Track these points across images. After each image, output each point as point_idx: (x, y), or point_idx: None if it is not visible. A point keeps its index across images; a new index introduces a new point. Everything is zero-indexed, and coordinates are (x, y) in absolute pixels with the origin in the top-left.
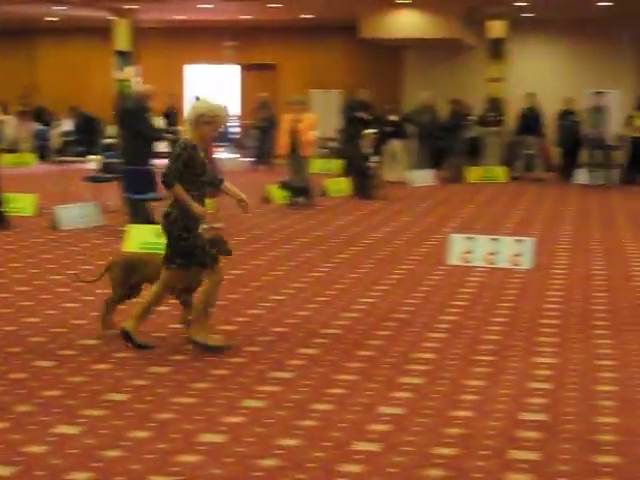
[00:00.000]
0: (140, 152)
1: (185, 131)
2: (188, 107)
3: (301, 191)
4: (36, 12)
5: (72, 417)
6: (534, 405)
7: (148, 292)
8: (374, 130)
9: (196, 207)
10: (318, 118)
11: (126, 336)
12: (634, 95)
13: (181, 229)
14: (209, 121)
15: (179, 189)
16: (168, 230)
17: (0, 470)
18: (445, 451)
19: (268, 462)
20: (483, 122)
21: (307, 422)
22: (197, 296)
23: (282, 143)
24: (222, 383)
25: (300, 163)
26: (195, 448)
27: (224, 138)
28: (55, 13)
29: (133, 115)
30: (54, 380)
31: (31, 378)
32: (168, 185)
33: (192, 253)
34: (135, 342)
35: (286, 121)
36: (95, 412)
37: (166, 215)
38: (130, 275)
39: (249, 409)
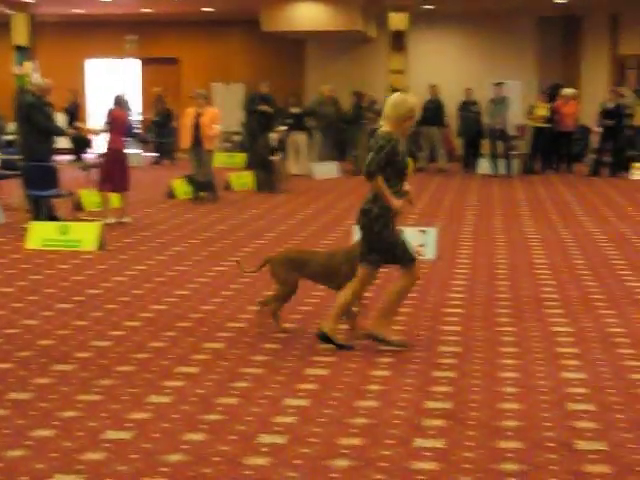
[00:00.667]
0: (40, 148)
1: (382, 124)
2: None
3: (205, 185)
4: None
5: None
6: (438, 394)
7: (343, 292)
8: (284, 127)
9: (395, 201)
10: (221, 112)
11: (324, 338)
12: (535, 85)
13: (382, 226)
14: (412, 116)
15: (381, 181)
16: (367, 227)
17: None
18: (351, 441)
19: (174, 457)
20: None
21: (213, 416)
22: (389, 294)
23: (185, 137)
24: (127, 379)
25: (203, 157)
26: (100, 445)
27: (128, 133)
28: None
29: (32, 110)
30: None
31: None
32: (371, 176)
33: (393, 250)
34: (336, 343)
35: (188, 115)
36: None
37: (366, 212)
38: (291, 272)
39: (154, 405)
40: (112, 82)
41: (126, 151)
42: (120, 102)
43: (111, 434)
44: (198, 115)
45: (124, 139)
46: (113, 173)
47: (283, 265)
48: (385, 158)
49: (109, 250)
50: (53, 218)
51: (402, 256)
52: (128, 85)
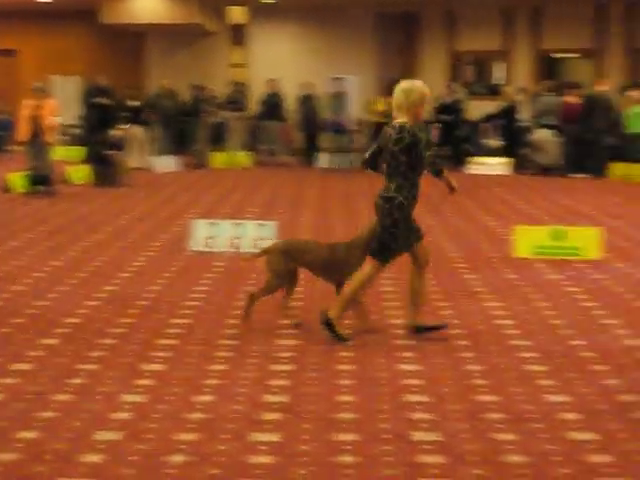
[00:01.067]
0: None
1: (396, 116)
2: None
3: (42, 179)
4: None
5: None
6: (275, 387)
7: (351, 282)
8: (126, 125)
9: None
10: (59, 105)
11: (328, 325)
12: (373, 80)
13: (401, 214)
14: (424, 102)
15: None
16: (388, 213)
17: None
18: (187, 437)
19: (6, 456)
20: (226, 107)
21: (47, 413)
22: (412, 283)
23: (22, 130)
24: None
25: (43, 150)
26: None
27: None
28: None
29: None
30: None
31: None
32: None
33: (405, 239)
34: (335, 332)
35: (26, 107)
36: None
37: (390, 199)
38: (288, 263)
39: None
40: None
41: None
42: None
43: None
44: (37, 107)
45: None
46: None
47: (282, 255)
48: (415, 151)
49: None
50: None
51: (409, 243)
52: None
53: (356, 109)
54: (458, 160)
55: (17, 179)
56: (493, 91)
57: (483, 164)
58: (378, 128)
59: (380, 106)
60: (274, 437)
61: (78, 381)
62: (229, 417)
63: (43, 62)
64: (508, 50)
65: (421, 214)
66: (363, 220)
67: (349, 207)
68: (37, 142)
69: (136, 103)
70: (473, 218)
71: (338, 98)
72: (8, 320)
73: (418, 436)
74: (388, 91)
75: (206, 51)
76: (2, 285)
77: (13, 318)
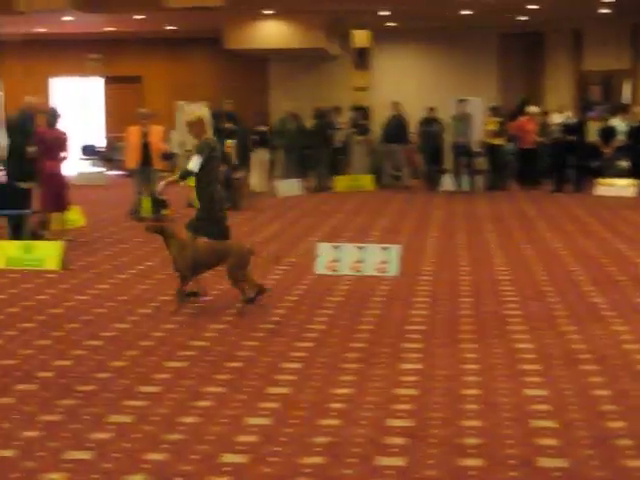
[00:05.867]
0: (24, 167)
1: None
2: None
3: (163, 204)
4: None
5: None
6: (400, 411)
7: None
8: (232, 141)
9: None
10: (183, 130)
11: None
12: (497, 102)
13: None
14: None
15: None
16: None
17: None
18: (313, 460)
19: (135, 478)
20: (349, 131)
21: (174, 436)
22: None
23: (132, 157)
24: (88, 399)
25: (151, 176)
26: (61, 465)
27: (89, 151)
28: None
29: (16, 129)
30: None
31: None
32: None
33: None
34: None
35: (133, 134)
36: None
37: None
38: None
39: (116, 424)
40: (76, 101)
41: (61, 171)
42: (51, 120)
43: (72, 454)
44: (144, 134)
45: (59, 158)
46: (51, 194)
47: None
48: None
49: (72, 269)
50: (36, 236)
51: None
52: (92, 104)
53: (479, 131)
54: (584, 181)
55: (146, 204)
56: (616, 111)
57: (611, 185)
58: (490, 149)
59: (491, 126)
60: (400, 461)
61: (204, 404)
62: (354, 441)
63: (168, 88)
64: (637, 69)
65: (545, 235)
66: (488, 242)
67: (474, 230)
68: (146, 169)
69: (262, 128)
70: (601, 240)
71: (462, 120)
72: (136, 342)
73: (545, 462)
74: (516, 113)
75: (329, 75)
76: (130, 308)
77: (141, 341)
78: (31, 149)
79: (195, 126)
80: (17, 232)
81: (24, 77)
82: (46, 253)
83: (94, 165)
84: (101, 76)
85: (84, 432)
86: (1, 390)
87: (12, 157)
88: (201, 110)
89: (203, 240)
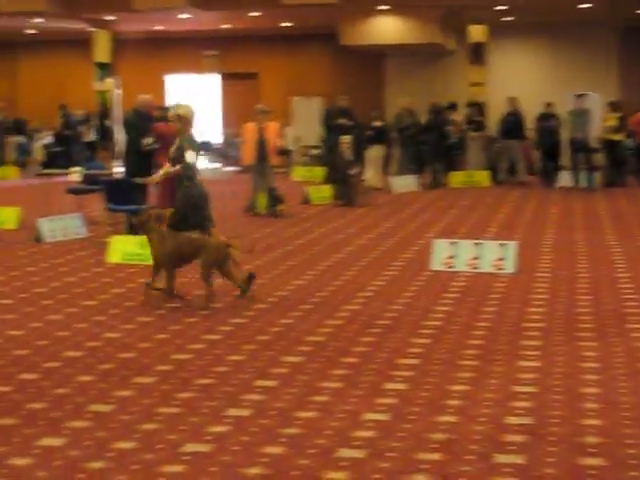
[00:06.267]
0: (140, 163)
1: None
2: None
3: (280, 199)
4: (16, 25)
5: (57, 429)
6: (519, 409)
7: None
8: (349, 137)
9: None
10: (300, 126)
11: None
12: (616, 97)
13: None
14: None
15: None
16: None
17: None
18: (430, 456)
19: (253, 470)
20: (465, 127)
21: (292, 430)
22: None
23: (248, 153)
24: (206, 392)
25: (267, 172)
26: (180, 458)
27: (205, 147)
28: (35, 25)
29: (132, 126)
30: (38, 392)
31: (16, 391)
32: None
33: None
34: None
35: (250, 130)
36: (80, 424)
37: None
38: None
39: (234, 418)
40: (192, 97)
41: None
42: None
43: (190, 447)
44: (261, 130)
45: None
46: (165, 190)
47: None
48: None
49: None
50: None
51: None
52: (208, 100)
53: (597, 127)
54: None
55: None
56: None
57: None
58: (608, 145)
59: (610, 122)
60: (519, 459)
61: (322, 399)
62: (472, 438)
63: (284, 84)
64: None
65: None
66: (606, 239)
67: (591, 226)
68: (262, 165)
69: (378, 123)
70: None
71: (580, 115)
72: (254, 337)
73: None
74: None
75: (444, 70)
76: (247, 303)
77: (258, 335)
78: (147, 141)
79: (183, 121)
80: (133, 227)
81: (141, 74)
82: None
83: (210, 161)
84: (217, 73)
85: (202, 425)
86: (120, 383)
87: (129, 153)
88: (188, 106)
89: (183, 234)
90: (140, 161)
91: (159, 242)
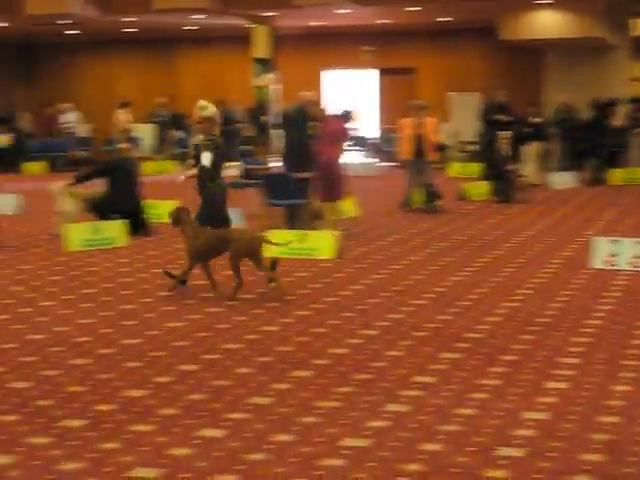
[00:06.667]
0: (300, 159)
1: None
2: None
3: (436, 195)
4: (175, 22)
5: (216, 420)
6: None
7: None
8: (508, 132)
9: None
10: (457, 121)
11: None
12: None
13: None
14: None
15: None
16: None
17: (146, 472)
18: (592, 457)
19: (412, 467)
20: (626, 123)
21: (450, 427)
22: None
23: (405, 148)
24: (365, 387)
25: (425, 168)
26: (339, 452)
27: (362, 142)
28: (194, 22)
29: (294, 122)
30: (198, 384)
31: (176, 382)
32: None
33: None
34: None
35: (407, 126)
36: (239, 415)
37: None
38: None
39: (392, 413)
40: (349, 92)
41: (338, 162)
42: (345, 115)
43: (349, 441)
44: (418, 126)
45: (337, 149)
46: (326, 184)
47: None
48: None
49: (345, 259)
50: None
51: None
52: (365, 95)
53: None
54: None
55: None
56: None
57: None
58: None
59: None
60: None
61: (480, 396)
62: (635, 439)
63: (441, 79)
64: None
65: None
66: None
67: None
68: (419, 160)
69: (537, 119)
70: None
71: None
72: (411, 333)
73: None
74: None
75: (605, 65)
76: (404, 299)
77: (415, 331)
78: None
79: (207, 122)
80: (292, 222)
81: (298, 69)
82: (320, 242)
83: (366, 156)
84: (375, 68)
85: (361, 420)
86: (278, 376)
87: (289, 149)
88: (213, 108)
89: (213, 230)
90: (300, 156)
91: (192, 236)
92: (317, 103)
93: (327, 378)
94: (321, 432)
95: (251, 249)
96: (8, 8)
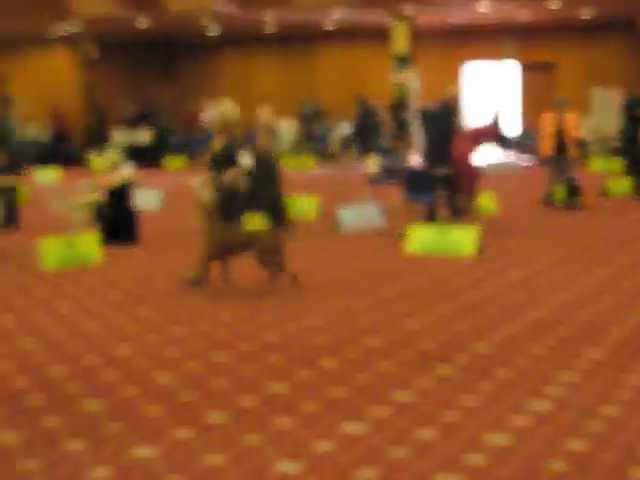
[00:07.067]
0: (442, 155)
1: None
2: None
3: (578, 190)
4: (315, 18)
5: (358, 415)
6: None
7: None
8: None
9: None
10: (598, 117)
11: None
12: None
13: None
14: None
15: None
16: None
17: (287, 465)
18: None
19: (555, 465)
20: None
21: (596, 426)
22: None
23: (546, 144)
24: (507, 385)
25: (566, 164)
26: (481, 449)
27: (503, 139)
28: (333, 19)
29: (437, 118)
30: (340, 379)
31: (317, 377)
32: None
33: None
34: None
35: (548, 121)
36: (381, 411)
37: None
38: None
39: (534, 411)
40: (490, 86)
41: (471, 157)
42: (495, 122)
43: (491, 438)
44: (560, 121)
45: (472, 145)
46: (460, 179)
47: None
48: None
49: (486, 255)
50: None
51: None
52: (506, 89)
53: None
54: None
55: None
56: None
57: None
58: None
59: None
60: None
61: (625, 394)
62: None
63: (582, 75)
64: None
65: None
66: None
67: None
68: (561, 156)
69: None
70: None
71: None
72: (553, 329)
73: None
74: None
75: None
76: (547, 297)
77: (557, 328)
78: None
79: (230, 125)
80: (431, 217)
81: (437, 65)
82: (462, 238)
83: (508, 153)
84: (516, 61)
85: (503, 416)
86: (419, 372)
87: (430, 145)
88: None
89: (234, 227)
90: (442, 152)
91: (210, 233)
92: (459, 99)
93: (469, 373)
94: (462, 428)
95: (275, 248)
96: (150, 3)
